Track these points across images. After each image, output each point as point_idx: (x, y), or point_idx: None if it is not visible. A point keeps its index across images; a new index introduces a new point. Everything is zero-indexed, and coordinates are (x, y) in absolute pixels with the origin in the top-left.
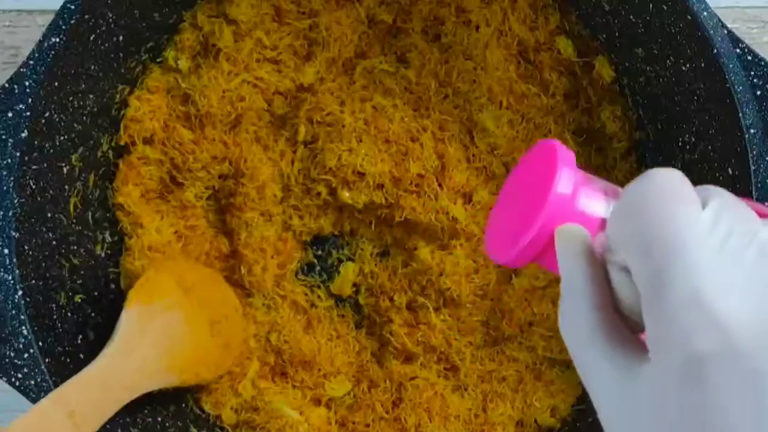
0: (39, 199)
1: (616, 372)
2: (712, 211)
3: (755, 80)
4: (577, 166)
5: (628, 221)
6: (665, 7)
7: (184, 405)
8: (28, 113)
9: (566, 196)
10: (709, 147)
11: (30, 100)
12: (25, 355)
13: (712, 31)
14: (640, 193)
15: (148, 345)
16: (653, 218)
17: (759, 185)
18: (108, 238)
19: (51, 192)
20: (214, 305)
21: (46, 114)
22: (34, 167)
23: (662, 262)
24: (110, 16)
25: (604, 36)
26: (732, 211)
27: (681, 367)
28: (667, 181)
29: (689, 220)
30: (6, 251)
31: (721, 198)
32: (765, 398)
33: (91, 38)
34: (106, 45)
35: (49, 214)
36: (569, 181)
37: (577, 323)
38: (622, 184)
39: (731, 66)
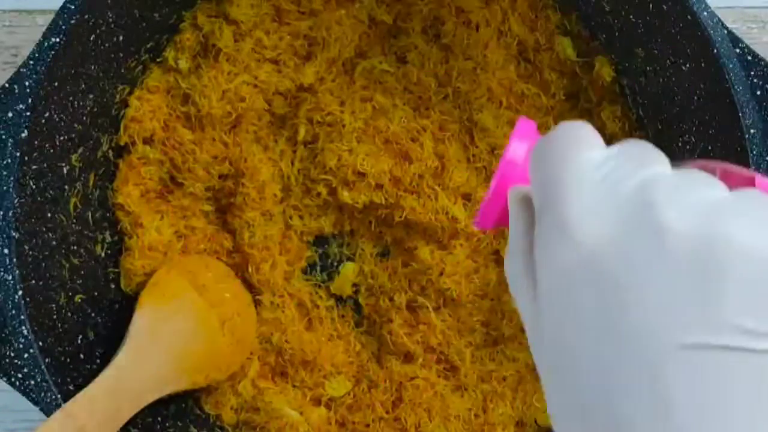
0: (39, 199)
1: (532, 302)
2: (607, 151)
3: (755, 80)
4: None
5: (533, 167)
6: (665, 7)
7: (184, 405)
8: (28, 113)
9: (517, 161)
10: (709, 147)
11: (30, 100)
12: (25, 355)
13: (712, 31)
14: (545, 141)
15: (159, 352)
16: (549, 161)
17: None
18: (108, 238)
19: (51, 192)
20: (226, 303)
21: (46, 114)
22: (34, 167)
23: (545, 197)
24: (110, 16)
25: (604, 36)
26: (628, 153)
27: (552, 286)
28: (571, 129)
29: (579, 159)
30: (6, 251)
31: (626, 144)
32: (608, 295)
33: (91, 38)
34: (106, 45)
35: (49, 214)
36: (520, 147)
37: (513, 266)
38: None
39: (731, 66)
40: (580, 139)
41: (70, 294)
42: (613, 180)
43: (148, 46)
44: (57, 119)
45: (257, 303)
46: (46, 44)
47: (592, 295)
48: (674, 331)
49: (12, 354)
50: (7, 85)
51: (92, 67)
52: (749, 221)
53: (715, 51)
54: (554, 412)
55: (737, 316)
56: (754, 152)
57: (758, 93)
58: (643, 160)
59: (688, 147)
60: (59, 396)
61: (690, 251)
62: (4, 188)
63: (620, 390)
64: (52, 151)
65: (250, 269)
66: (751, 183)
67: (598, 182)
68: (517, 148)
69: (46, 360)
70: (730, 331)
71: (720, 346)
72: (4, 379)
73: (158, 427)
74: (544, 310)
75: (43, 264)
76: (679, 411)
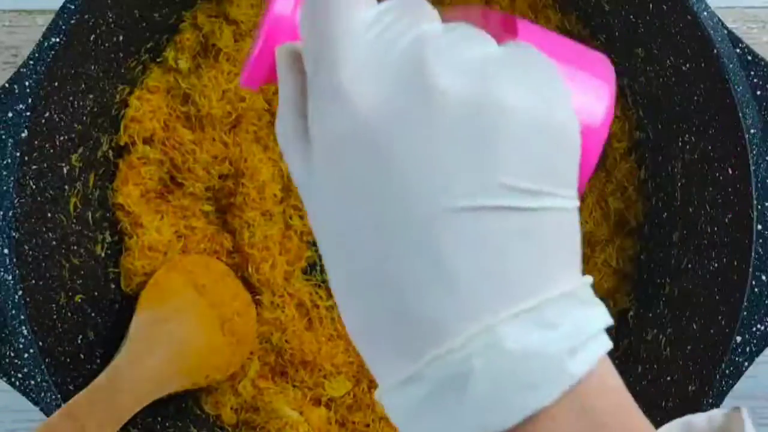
0: (39, 199)
1: (304, 166)
2: (379, 7)
3: (755, 80)
4: None
5: (303, 24)
6: (665, 7)
7: (184, 405)
8: (28, 113)
9: (284, 15)
10: (709, 147)
11: (30, 100)
12: (25, 355)
13: (712, 31)
14: None
15: (159, 351)
16: (319, 19)
17: (759, 185)
18: (108, 238)
19: (51, 192)
20: (226, 303)
21: (46, 114)
22: (34, 167)
23: (316, 58)
24: (110, 16)
25: (604, 36)
26: (401, 9)
27: (327, 151)
28: None
29: (351, 17)
30: (6, 251)
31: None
32: (381, 160)
33: (91, 38)
34: (106, 45)
35: (49, 214)
36: (287, 2)
37: (283, 128)
38: (621, 184)
39: (731, 66)
40: None
41: (70, 294)
42: (386, 39)
43: (148, 46)
44: (57, 119)
45: (257, 303)
46: (46, 44)
47: (365, 159)
48: (447, 194)
49: (12, 354)
50: (7, 85)
51: (92, 67)
52: (519, 80)
53: (715, 51)
54: (335, 287)
55: (511, 177)
56: (754, 152)
57: (758, 93)
58: (416, 17)
59: (688, 147)
60: (59, 396)
61: (461, 113)
62: (4, 188)
63: (397, 259)
64: (52, 151)
65: (250, 269)
66: (513, 26)
67: (372, 41)
68: (284, 2)
69: (46, 360)
70: (505, 193)
71: (496, 207)
72: (4, 379)
73: (158, 427)
74: (318, 177)
75: (43, 264)
76: (463, 277)
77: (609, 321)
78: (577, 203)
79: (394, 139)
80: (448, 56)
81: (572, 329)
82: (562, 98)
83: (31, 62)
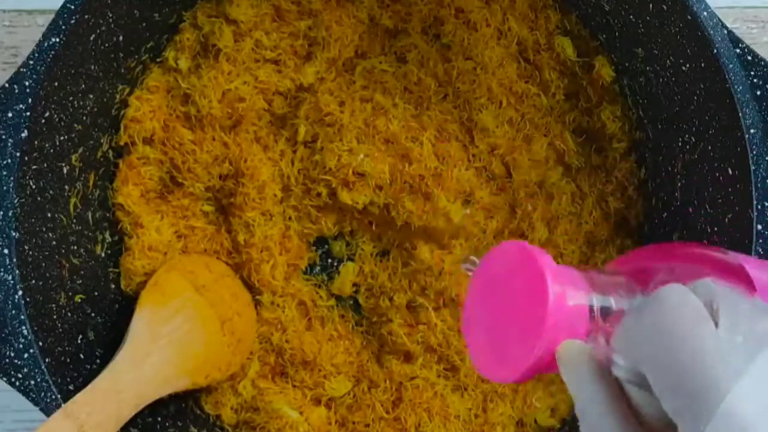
0: (39, 199)
1: None
2: (727, 327)
3: (755, 80)
4: (552, 263)
5: (647, 346)
6: (665, 7)
7: (184, 405)
8: (28, 113)
9: (560, 314)
10: (709, 147)
11: (30, 100)
12: (25, 355)
13: (712, 31)
14: (656, 316)
15: (159, 351)
16: (673, 344)
17: (759, 185)
18: (108, 238)
19: (51, 192)
20: (226, 303)
21: (46, 114)
22: (34, 167)
23: (696, 392)
24: (110, 16)
25: (604, 36)
26: (741, 317)
27: None
28: (678, 300)
29: (710, 342)
30: (6, 251)
31: (724, 303)
32: None
33: (91, 38)
34: (106, 45)
35: (49, 214)
36: (558, 290)
37: None
38: (621, 184)
39: (731, 66)
40: (691, 308)
41: (70, 294)
42: (761, 363)
43: (148, 46)
44: (57, 119)
45: (257, 303)
46: (46, 44)
47: None
48: None
49: (12, 354)
50: (7, 85)
51: (92, 67)
52: None
53: (715, 51)
54: None
55: None
56: (754, 152)
57: (758, 93)
58: (753, 318)
59: (688, 147)
60: (59, 396)
61: None
62: (4, 188)
63: None
64: (52, 151)
65: (250, 269)
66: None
67: (743, 365)
68: (557, 300)
69: (46, 360)
70: None
71: None
72: (4, 379)
73: (158, 427)
74: None
75: (43, 264)
76: None
77: None
78: None
79: None
80: None
81: None
82: None
83: (31, 62)
